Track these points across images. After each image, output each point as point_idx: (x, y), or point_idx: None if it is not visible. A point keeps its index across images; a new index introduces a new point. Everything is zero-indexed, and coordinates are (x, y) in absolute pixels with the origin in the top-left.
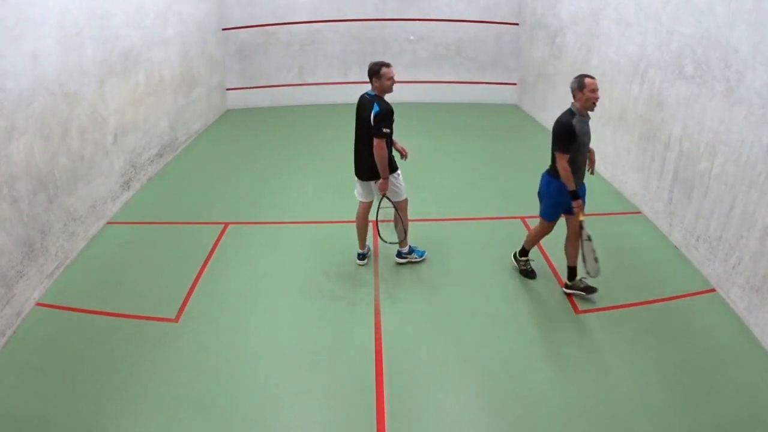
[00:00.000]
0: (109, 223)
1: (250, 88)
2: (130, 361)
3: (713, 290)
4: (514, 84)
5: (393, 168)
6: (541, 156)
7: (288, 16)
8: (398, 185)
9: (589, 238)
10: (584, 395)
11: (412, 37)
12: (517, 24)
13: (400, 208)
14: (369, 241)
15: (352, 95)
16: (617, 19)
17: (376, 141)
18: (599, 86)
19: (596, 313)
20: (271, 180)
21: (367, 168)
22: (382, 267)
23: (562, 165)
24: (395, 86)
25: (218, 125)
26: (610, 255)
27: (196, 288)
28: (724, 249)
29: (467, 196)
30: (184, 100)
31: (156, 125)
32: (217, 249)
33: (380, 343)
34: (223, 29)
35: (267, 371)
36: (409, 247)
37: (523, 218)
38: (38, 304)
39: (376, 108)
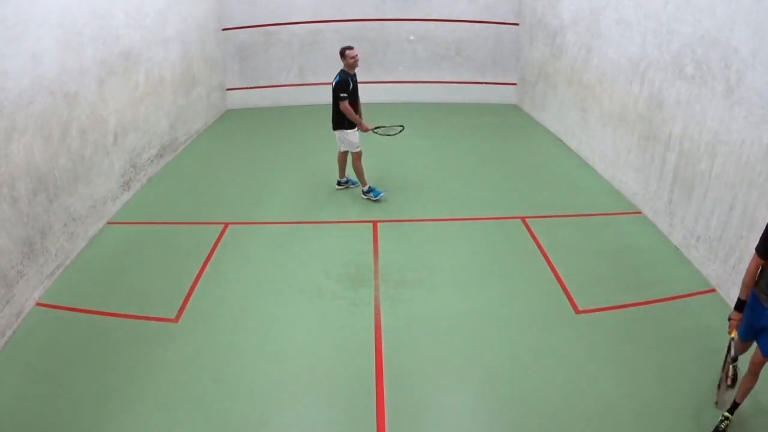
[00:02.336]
0: (109, 223)
1: (250, 88)
2: (130, 361)
3: (713, 290)
4: (514, 84)
5: (351, 125)
6: (540, 156)
7: (288, 16)
8: (351, 139)
9: (733, 360)
10: (584, 395)
11: (412, 37)
12: (517, 24)
13: (354, 157)
14: (369, 241)
15: None
16: (617, 19)
17: (340, 104)
18: (599, 86)
19: (596, 313)
20: (271, 180)
21: (333, 122)
22: (383, 267)
23: (750, 268)
24: (396, 86)
25: (218, 125)
26: (610, 255)
27: (196, 288)
28: (724, 249)
29: (467, 196)
30: (184, 100)
31: (156, 125)
32: (217, 249)
33: (380, 343)
34: (223, 29)
35: (267, 371)
36: (369, 186)
37: (523, 218)
38: (38, 304)
39: (336, 79)
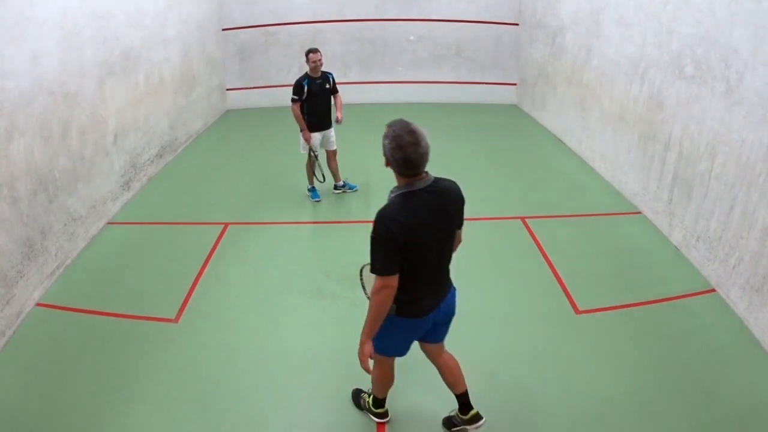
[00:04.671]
0: (109, 223)
1: (250, 88)
2: (130, 361)
3: (713, 290)
4: (514, 84)
5: (313, 128)
6: (540, 156)
7: (288, 17)
8: (300, 140)
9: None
10: (584, 395)
11: (412, 38)
12: (517, 24)
13: (327, 155)
14: None
15: (352, 95)
16: (617, 19)
17: (291, 105)
18: (599, 86)
19: (596, 313)
20: (271, 180)
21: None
22: None
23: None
24: (396, 86)
25: (218, 125)
26: (610, 255)
27: (196, 288)
28: (724, 249)
29: (467, 196)
30: (184, 100)
31: (156, 125)
32: (217, 249)
33: None
34: (223, 29)
35: (267, 371)
36: (343, 181)
37: (523, 218)
38: (38, 304)
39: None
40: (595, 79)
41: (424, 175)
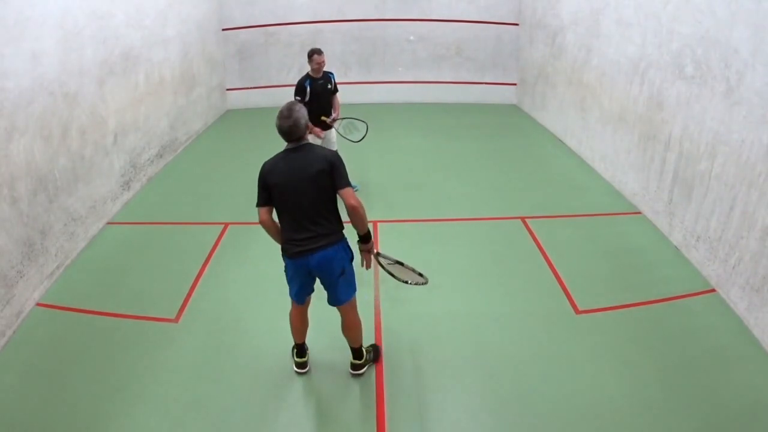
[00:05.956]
0: (109, 223)
1: (250, 88)
2: (130, 361)
3: (713, 290)
4: (514, 84)
5: (325, 127)
6: (540, 156)
7: (288, 17)
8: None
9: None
10: (584, 395)
11: (412, 38)
12: (516, 24)
13: None
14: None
15: (352, 95)
16: (617, 19)
17: None
18: (599, 86)
19: (596, 313)
20: None
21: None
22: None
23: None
24: (396, 86)
25: (218, 125)
26: (611, 255)
27: (196, 288)
28: (724, 249)
29: (467, 196)
30: (184, 100)
31: (156, 125)
32: (217, 249)
33: (380, 343)
34: (223, 29)
35: (267, 371)
36: None
37: (523, 218)
38: (38, 304)
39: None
40: (595, 79)
41: (302, 141)
